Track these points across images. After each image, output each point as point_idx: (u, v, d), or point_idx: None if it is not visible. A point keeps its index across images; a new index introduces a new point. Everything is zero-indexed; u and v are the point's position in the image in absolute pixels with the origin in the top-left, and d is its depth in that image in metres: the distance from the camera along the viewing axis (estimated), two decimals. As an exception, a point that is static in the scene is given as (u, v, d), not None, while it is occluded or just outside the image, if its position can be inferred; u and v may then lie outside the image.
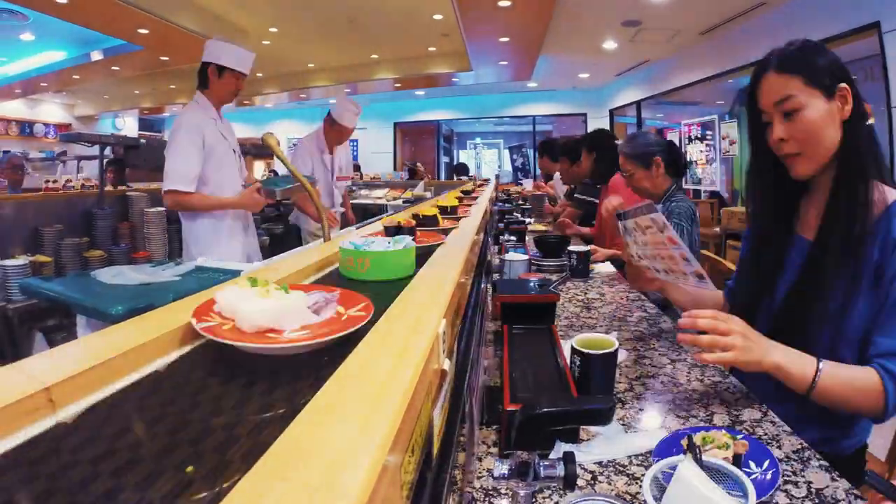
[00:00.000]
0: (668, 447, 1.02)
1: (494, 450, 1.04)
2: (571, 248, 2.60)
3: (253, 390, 0.51)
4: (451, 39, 8.27)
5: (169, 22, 7.07)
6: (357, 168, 11.34)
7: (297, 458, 0.32)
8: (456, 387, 0.63)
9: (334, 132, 4.11)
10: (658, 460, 0.93)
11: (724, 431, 1.03)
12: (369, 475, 0.30)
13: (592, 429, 1.10)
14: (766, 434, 1.11)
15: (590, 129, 11.99)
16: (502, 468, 0.73)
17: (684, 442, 0.98)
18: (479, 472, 0.96)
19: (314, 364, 0.57)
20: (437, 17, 7.42)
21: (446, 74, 10.55)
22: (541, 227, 4.31)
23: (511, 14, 6.50)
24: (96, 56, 8.95)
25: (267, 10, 7.47)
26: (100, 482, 0.35)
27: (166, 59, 8.98)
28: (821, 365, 1.13)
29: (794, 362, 1.14)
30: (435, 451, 0.51)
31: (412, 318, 0.58)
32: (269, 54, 9.54)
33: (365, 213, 6.98)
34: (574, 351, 1.20)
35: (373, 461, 0.31)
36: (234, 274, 0.97)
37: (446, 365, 0.55)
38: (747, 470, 0.94)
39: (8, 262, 3.15)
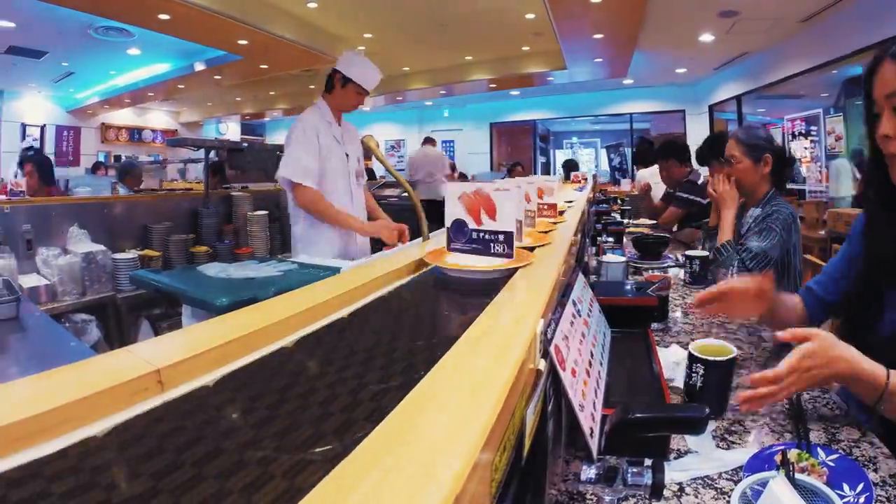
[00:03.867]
0: (759, 462, 0.98)
1: (582, 453, 1.04)
2: (690, 252, 2.50)
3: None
4: (544, 38, 8.19)
5: (267, 32, 7.39)
6: (453, 168, 11.36)
7: (396, 445, 0.33)
8: (549, 387, 0.64)
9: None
10: (748, 475, 0.90)
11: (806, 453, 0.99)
12: (464, 467, 0.31)
13: (684, 443, 1.07)
14: (863, 455, 1.04)
15: (689, 127, 11.61)
16: (589, 472, 0.72)
17: (778, 458, 0.95)
18: (566, 475, 0.96)
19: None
20: (530, 16, 7.38)
21: (541, 74, 10.44)
22: (639, 228, 4.10)
23: (603, 10, 6.35)
24: (199, 67, 9.50)
25: (361, 18, 7.66)
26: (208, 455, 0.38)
27: (265, 67, 9.39)
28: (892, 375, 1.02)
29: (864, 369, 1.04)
30: (525, 450, 0.52)
31: (510, 317, 0.59)
32: (364, 60, 9.77)
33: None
34: (694, 358, 1.15)
35: (468, 455, 0.32)
36: (335, 271, 1.01)
37: (542, 365, 0.56)
38: (840, 492, 0.89)
39: (119, 256, 3.43)
